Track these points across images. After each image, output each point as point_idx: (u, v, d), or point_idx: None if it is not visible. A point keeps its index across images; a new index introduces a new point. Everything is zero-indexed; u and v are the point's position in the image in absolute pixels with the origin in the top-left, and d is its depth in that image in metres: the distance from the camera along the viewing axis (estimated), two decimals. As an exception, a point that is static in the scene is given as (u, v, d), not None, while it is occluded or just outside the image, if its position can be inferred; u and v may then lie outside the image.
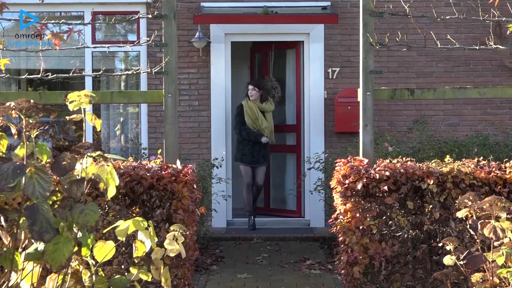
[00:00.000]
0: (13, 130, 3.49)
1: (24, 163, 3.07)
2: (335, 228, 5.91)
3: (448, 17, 6.23)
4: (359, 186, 5.58)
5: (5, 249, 3.23)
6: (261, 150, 10.05)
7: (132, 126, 10.74)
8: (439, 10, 6.63)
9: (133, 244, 3.60)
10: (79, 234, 3.29)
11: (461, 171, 5.58)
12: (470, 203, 3.63)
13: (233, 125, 10.28)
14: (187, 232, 5.56)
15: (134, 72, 7.13)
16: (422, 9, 6.89)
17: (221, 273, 7.61)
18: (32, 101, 3.32)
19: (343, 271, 5.87)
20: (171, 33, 6.07)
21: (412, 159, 6.06)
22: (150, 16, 6.30)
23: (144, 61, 9.78)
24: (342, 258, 5.84)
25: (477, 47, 6.36)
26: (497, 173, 5.58)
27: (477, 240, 3.61)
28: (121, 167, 5.60)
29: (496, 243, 3.45)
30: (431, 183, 5.51)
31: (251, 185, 10.19)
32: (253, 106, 10.02)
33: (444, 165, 5.73)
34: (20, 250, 3.25)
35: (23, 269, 3.30)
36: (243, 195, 10.28)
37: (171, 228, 3.67)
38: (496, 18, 6.15)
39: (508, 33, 6.41)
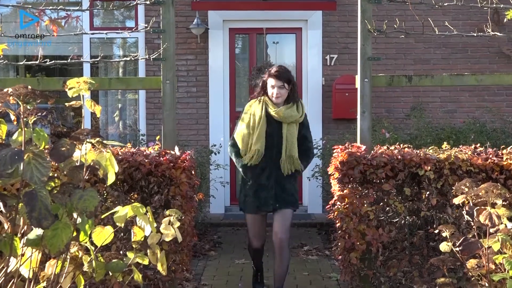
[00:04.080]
0: (12, 116, 3.49)
1: (22, 149, 3.07)
2: (332, 214, 5.92)
3: (446, 3, 6.21)
4: (357, 172, 5.59)
5: (4, 234, 3.25)
6: (273, 185, 5.70)
7: (131, 112, 10.74)
8: (437, -4, 6.59)
9: (132, 230, 3.62)
10: (78, 220, 3.30)
11: (458, 157, 5.59)
12: (466, 189, 3.65)
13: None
14: (185, 218, 5.59)
15: (133, 59, 7.10)
16: (420, -4, 6.86)
17: (219, 259, 7.65)
18: (30, 87, 3.32)
19: (340, 257, 5.89)
20: (169, 19, 6.06)
21: (409, 145, 6.06)
22: (148, 2, 6.28)
23: (142, 48, 9.78)
24: (339, 244, 5.86)
25: (475, 34, 6.35)
26: (494, 160, 5.59)
27: (473, 227, 3.63)
28: (120, 153, 5.60)
29: (492, 230, 3.47)
30: (428, 169, 5.52)
31: (260, 245, 6.00)
32: (259, 110, 5.73)
33: (441, 152, 5.74)
34: (19, 235, 3.26)
35: (22, 254, 3.31)
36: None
37: (167, 213, 3.69)
38: (494, 5, 6.13)
39: (505, 20, 6.38)
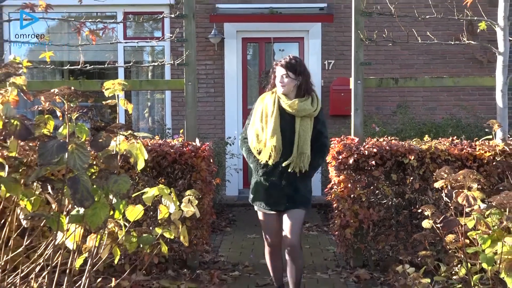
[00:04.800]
0: (58, 113, 3.49)
1: (67, 140, 3.08)
2: (330, 196, 5.92)
3: (427, 16, 6.20)
4: (351, 161, 5.59)
5: (52, 213, 3.25)
6: (285, 184, 4.64)
7: (158, 109, 10.74)
8: (420, 10, 6.59)
9: (158, 208, 3.63)
10: (114, 201, 3.31)
11: (438, 148, 5.59)
12: (446, 175, 3.64)
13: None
14: (205, 199, 5.60)
15: (160, 64, 7.10)
16: (406, 10, 6.83)
17: (233, 234, 7.65)
18: (73, 88, 3.32)
19: (336, 232, 5.90)
20: (191, 30, 6.06)
21: (396, 138, 6.07)
22: (173, 15, 6.27)
23: (168, 54, 9.79)
24: (336, 221, 5.87)
25: (452, 43, 6.34)
26: (468, 150, 5.58)
27: (452, 207, 3.61)
28: (149, 144, 5.61)
29: (467, 210, 3.45)
30: (412, 158, 5.52)
31: (276, 245, 4.83)
32: (271, 103, 4.71)
33: (423, 143, 5.73)
34: (64, 213, 3.27)
35: (67, 230, 3.32)
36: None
37: (186, 193, 3.69)
38: (469, 18, 6.14)
39: (478, 30, 6.37)
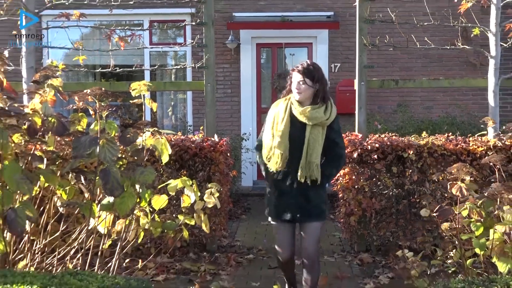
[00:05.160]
0: (91, 111, 3.51)
1: (98, 136, 3.10)
2: (336, 187, 5.91)
3: (425, 23, 6.16)
4: (355, 155, 5.57)
5: (85, 201, 3.28)
6: (296, 194, 4.06)
7: (181, 108, 10.76)
8: (418, 18, 6.54)
9: (181, 198, 3.64)
10: (140, 190, 3.33)
11: (435, 143, 5.55)
12: (442, 168, 3.61)
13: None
14: (223, 189, 5.60)
15: (182, 67, 7.13)
16: (405, 18, 6.78)
17: (248, 221, 7.65)
18: (104, 89, 3.34)
19: (342, 220, 5.90)
20: (210, 37, 6.06)
21: (396, 134, 6.04)
22: (193, 23, 6.28)
23: (189, 58, 9.79)
24: (341, 210, 5.86)
25: (448, 47, 6.31)
26: (463, 145, 5.54)
27: (447, 197, 3.59)
28: (172, 139, 5.63)
29: (461, 200, 3.43)
30: (411, 153, 5.49)
31: (288, 258, 4.22)
32: (283, 109, 4.11)
33: (421, 139, 5.70)
34: (96, 202, 3.29)
35: (99, 216, 3.34)
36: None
37: (208, 185, 3.72)
38: (463, 24, 6.10)
39: (472, 36, 6.33)
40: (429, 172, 5.42)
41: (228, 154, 6.02)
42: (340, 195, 5.83)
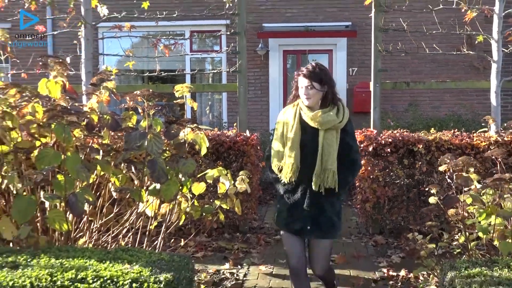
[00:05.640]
0: (140, 110, 3.53)
1: (146, 131, 3.13)
2: (353, 177, 5.87)
3: (434, 32, 6.06)
4: (370, 148, 5.52)
5: (135, 187, 3.31)
6: (309, 205, 3.31)
7: (217, 107, 10.81)
8: (428, 27, 6.42)
9: (217, 185, 3.65)
10: (182, 179, 3.35)
11: (442, 138, 5.46)
12: (448, 161, 3.55)
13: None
14: (253, 178, 5.61)
15: (218, 71, 7.16)
16: (416, 27, 6.66)
17: (276, 206, 7.64)
18: (151, 90, 3.37)
19: (358, 206, 5.85)
20: (243, 45, 6.06)
21: (407, 130, 5.97)
22: (228, 33, 6.29)
23: (224, 64, 9.82)
24: (358, 197, 5.82)
25: (455, 53, 6.20)
26: (467, 141, 5.44)
27: (453, 187, 3.53)
28: (210, 134, 5.65)
29: (466, 189, 3.37)
30: (420, 147, 5.41)
31: (299, 269, 3.36)
32: (292, 116, 3.39)
33: (430, 135, 5.62)
34: (144, 188, 3.32)
35: (146, 200, 3.38)
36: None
37: (240, 173, 3.72)
38: (468, 32, 5.99)
39: (476, 42, 6.20)
40: (436, 164, 5.33)
41: (258, 148, 6.02)
42: (357, 184, 5.79)
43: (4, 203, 3.16)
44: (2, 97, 3.06)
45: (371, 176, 5.56)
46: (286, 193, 3.39)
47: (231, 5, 6.08)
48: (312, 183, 3.24)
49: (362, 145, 5.55)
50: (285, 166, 3.33)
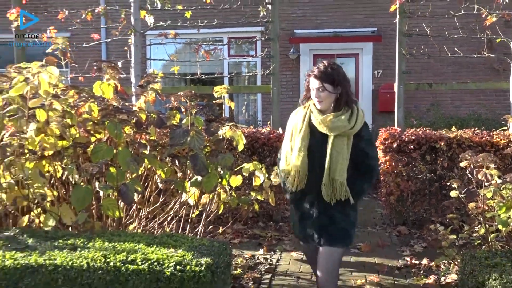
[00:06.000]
0: (183, 109, 3.56)
1: (189, 128, 3.15)
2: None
3: (455, 36, 5.92)
4: (395, 145, 5.42)
5: (179, 179, 3.34)
6: (318, 215, 2.84)
7: (252, 107, 10.81)
8: (449, 31, 6.27)
9: (253, 178, 3.65)
10: (221, 172, 3.36)
11: (463, 136, 5.32)
12: (469, 157, 3.45)
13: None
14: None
15: (253, 74, 7.15)
16: (438, 31, 6.50)
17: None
18: (193, 91, 3.39)
19: (383, 198, 5.75)
20: (276, 49, 6.04)
21: (429, 128, 5.82)
22: (263, 39, 6.27)
23: (259, 67, 9.82)
24: (382, 190, 5.72)
25: (475, 56, 6.04)
26: (487, 138, 5.28)
27: (473, 181, 3.43)
28: (246, 132, 5.65)
29: (486, 184, 3.27)
30: (442, 144, 5.28)
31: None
32: (301, 119, 2.90)
33: (451, 133, 5.47)
34: (187, 180, 3.35)
35: (189, 191, 3.41)
36: None
37: (274, 168, 3.71)
38: (488, 36, 5.83)
39: (496, 45, 6.02)
40: (457, 160, 5.20)
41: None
42: (382, 178, 5.69)
43: (64, 192, 3.25)
44: (62, 98, 3.14)
45: (395, 171, 5.46)
46: (293, 201, 2.91)
47: (265, 13, 6.07)
48: (323, 195, 2.74)
49: (386, 142, 5.45)
50: (291, 173, 2.82)
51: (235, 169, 3.90)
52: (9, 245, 2.57)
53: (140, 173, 3.31)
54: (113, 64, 3.46)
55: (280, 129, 5.87)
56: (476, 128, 5.70)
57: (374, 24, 9.82)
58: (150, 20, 5.74)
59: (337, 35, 9.68)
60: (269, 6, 6.00)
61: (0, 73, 3.35)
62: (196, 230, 3.54)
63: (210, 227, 4.52)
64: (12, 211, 3.14)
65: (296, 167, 2.79)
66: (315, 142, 2.79)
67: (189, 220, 3.52)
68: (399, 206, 5.57)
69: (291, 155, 2.85)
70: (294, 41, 9.77)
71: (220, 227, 4.36)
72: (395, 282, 4.00)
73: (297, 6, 10.03)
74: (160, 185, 3.45)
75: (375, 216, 6.33)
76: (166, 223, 3.55)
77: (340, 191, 2.73)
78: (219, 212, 3.67)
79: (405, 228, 5.51)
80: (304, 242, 2.97)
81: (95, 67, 3.52)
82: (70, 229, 3.06)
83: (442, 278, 3.97)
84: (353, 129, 2.74)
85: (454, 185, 3.50)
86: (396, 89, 5.91)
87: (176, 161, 3.37)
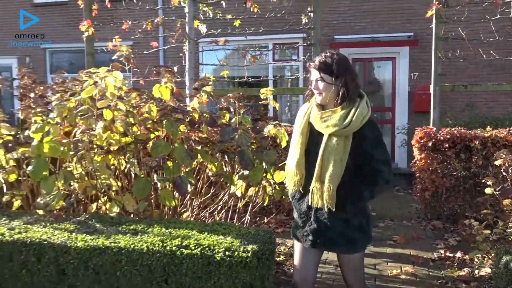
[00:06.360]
0: (231, 109, 3.59)
1: (237, 127, 3.17)
2: (413, 168, 5.60)
3: (491, 39, 5.63)
4: (430, 144, 5.24)
5: (227, 173, 3.37)
6: (315, 220, 2.32)
7: (294, 107, 10.75)
8: (485, 35, 5.97)
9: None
10: (266, 167, 3.36)
11: (497, 135, 5.08)
12: (504, 155, 3.29)
13: None
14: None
15: (295, 77, 7.10)
16: (473, 35, 6.22)
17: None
18: (240, 93, 3.41)
19: (418, 194, 5.58)
20: (317, 54, 5.96)
21: (464, 128, 5.60)
22: (305, 44, 6.21)
23: (301, 70, 9.73)
24: (418, 186, 5.55)
25: (511, 58, 5.73)
26: (522, 138, 5.02)
27: (508, 179, 3.27)
28: (288, 130, 5.60)
29: (521, 181, 3.11)
30: (476, 143, 5.06)
31: (302, 284, 2.38)
32: (302, 115, 2.38)
33: (486, 132, 5.23)
34: (235, 173, 3.38)
35: (236, 184, 3.43)
36: None
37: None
38: (525, 39, 5.51)
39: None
40: (492, 159, 4.96)
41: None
42: (417, 175, 5.52)
43: (127, 183, 3.35)
44: (126, 99, 3.24)
45: (430, 168, 5.28)
46: (295, 202, 2.43)
47: (307, 21, 6.01)
48: (309, 199, 2.29)
49: (422, 141, 5.28)
50: (288, 173, 2.37)
51: (279, 165, 3.89)
52: (80, 228, 2.68)
53: (193, 167, 3.37)
54: (170, 69, 3.53)
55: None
56: (511, 128, 5.43)
57: (411, 29, 9.53)
58: (203, 28, 5.81)
59: (375, 40, 9.46)
60: (311, 14, 5.94)
61: (73, 77, 3.49)
62: (243, 219, 3.57)
63: (256, 217, 4.53)
64: (83, 199, 3.27)
65: (293, 167, 2.32)
66: (312, 140, 2.31)
67: (237, 210, 3.54)
68: (434, 201, 5.40)
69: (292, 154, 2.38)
70: (334, 46, 9.63)
71: (265, 217, 4.36)
72: (430, 273, 3.87)
73: (338, 13, 9.88)
74: (211, 178, 3.50)
75: (410, 210, 6.16)
76: (216, 212, 3.59)
77: (329, 197, 2.19)
78: (264, 204, 3.67)
79: (440, 223, 5.33)
80: (302, 243, 2.41)
81: (154, 72, 3.61)
82: (131, 216, 3.16)
83: (476, 271, 3.81)
84: (348, 127, 2.18)
85: (489, 183, 3.35)
86: (432, 91, 5.71)
87: (226, 157, 3.40)
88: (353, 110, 2.20)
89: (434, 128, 5.51)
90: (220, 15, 6.06)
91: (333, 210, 2.23)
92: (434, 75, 5.67)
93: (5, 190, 3.29)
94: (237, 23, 6.15)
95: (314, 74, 2.29)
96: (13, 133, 3.32)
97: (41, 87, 3.52)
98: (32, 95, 3.47)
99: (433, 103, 5.69)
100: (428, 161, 5.28)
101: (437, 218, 5.50)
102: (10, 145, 3.16)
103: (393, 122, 9.72)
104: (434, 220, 5.44)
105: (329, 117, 2.23)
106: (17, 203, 3.32)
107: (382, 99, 9.98)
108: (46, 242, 2.50)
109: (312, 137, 2.31)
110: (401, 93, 9.57)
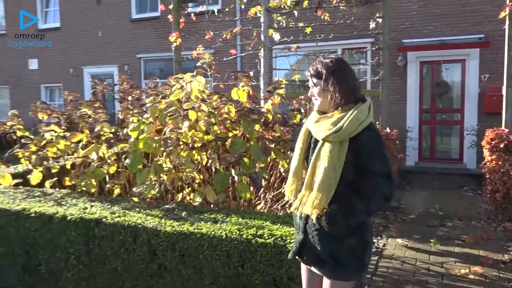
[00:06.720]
0: (302, 110, 3.55)
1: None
2: (484, 169, 5.18)
3: None
4: (502, 145, 4.82)
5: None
6: (309, 233, 1.89)
7: (361, 109, 10.46)
8: None
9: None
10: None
11: None
12: None
13: None
14: (393, 167, 5.29)
15: (363, 80, 6.88)
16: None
17: (410, 191, 7.12)
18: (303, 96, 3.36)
19: (488, 195, 5.16)
20: (385, 57, 5.75)
21: (540, 129, 5.08)
22: (373, 49, 6.01)
23: (369, 73, 9.42)
24: (488, 187, 5.13)
25: None
26: None
27: None
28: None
29: None
30: (554, 144, 4.57)
31: None
32: (305, 124, 2.02)
33: None
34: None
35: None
36: None
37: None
38: None
39: None
40: None
41: (397, 141, 5.67)
42: (487, 176, 5.10)
43: (208, 176, 3.44)
44: (208, 101, 3.33)
45: (502, 170, 4.86)
46: (293, 214, 2.07)
47: (375, 26, 5.80)
48: (294, 206, 1.90)
49: (493, 142, 4.87)
50: (288, 178, 2.05)
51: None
52: (168, 215, 2.80)
53: (267, 163, 3.38)
54: (246, 74, 3.57)
55: (387, 128, 5.58)
56: None
57: (481, 31, 8.82)
58: (276, 36, 5.83)
59: (444, 43, 8.88)
60: (379, 20, 5.72)
61: (163, 82, 3.66)
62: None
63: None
64: (170, 189, 3.42)
65: (290, 175, 2.02)
66: (310, 147, 2.00)
67: (307, 204, 3.50)
68: (505, 203, 4.95)
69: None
70: (402, 50, 9.19)
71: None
72: (500, 275, 3.56)
73: (406, 18, 9.42)
74: (283, 174, 3.49)
75: (479, 211, 5.71)
76: (287, 206, 3.58)
77: (310, 204, 1.82)
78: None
79: (511, 224, 4.88)
80: (299, 257, 2.02)
81: (232, 77, 3.68)
82: (212, 205, 3.24)
83: (552, 275, 3.44)
84: (340, 132, 1.81)
85: None
86: (504, 92, 5.24)
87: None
88: (348, 114, 1.85)
89: (506, 130, 5.06)
90: (293, 23, 6.03)
91: (325, 223, 1.82)
92: (506, 76, 5.21)
93: (107, 179, 3.54)
94: (308, 30, 6.09)
95: (310, 81, 2.00)
96: (113, 130, 3.56)
97: (137, 91, 3.73)
98: (129, 98, 3.69)
99: (505, 105, 5.23)
100: (500, 162, 4.86)
101: (508, 219, 5.04)
102: (111, 141, 3.39)
103: (462, 123, 9.08)
104: (506, 222, 4.99)
105: (324, 122, 1.90)
106: (117, 191, 3.55)
107: (451, 101, 9.35)
108: (140, 226, 2.64)
109: (311, 144, 1.98)
110: (471, 95, 8.90)
